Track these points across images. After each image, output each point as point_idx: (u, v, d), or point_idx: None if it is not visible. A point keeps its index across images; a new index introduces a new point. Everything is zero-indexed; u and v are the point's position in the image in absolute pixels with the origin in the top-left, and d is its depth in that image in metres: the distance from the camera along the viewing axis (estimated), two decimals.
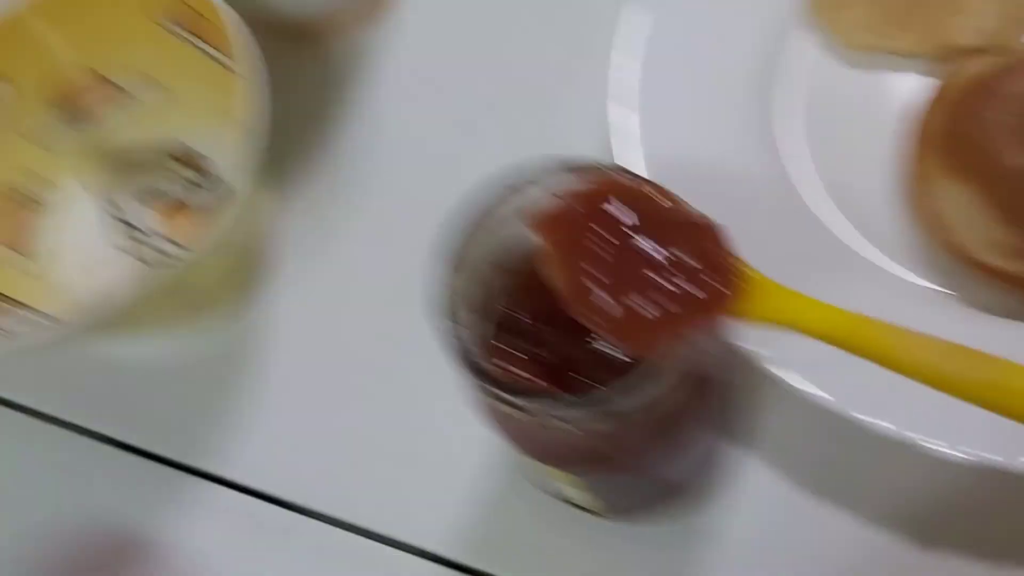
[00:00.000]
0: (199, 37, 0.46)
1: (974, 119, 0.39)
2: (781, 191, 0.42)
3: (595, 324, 0.29)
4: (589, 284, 0.29)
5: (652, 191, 0.30)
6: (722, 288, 0.28)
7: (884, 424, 0.35)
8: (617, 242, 0.29)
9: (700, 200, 0.40)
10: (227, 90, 0.42)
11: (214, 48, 0.46)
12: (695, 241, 0.29)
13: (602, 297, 0.29)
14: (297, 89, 0.52)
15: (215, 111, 0.46)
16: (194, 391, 0.46)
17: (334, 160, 0.50)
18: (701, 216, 0.30)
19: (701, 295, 0.28)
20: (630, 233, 0.29)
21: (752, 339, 0.37)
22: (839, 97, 0.44)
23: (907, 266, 0.40)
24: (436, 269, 0.30)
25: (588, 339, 0.32)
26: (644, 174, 0.41)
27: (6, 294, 0.45)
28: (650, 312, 0.28)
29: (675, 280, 0.28)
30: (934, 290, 0.40)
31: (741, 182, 0.42)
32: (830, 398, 0.36)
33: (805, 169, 0.43)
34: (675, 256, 0.29)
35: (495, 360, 0.32)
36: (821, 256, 0.40)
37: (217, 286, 0.46)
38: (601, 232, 0.29)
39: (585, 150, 0.45)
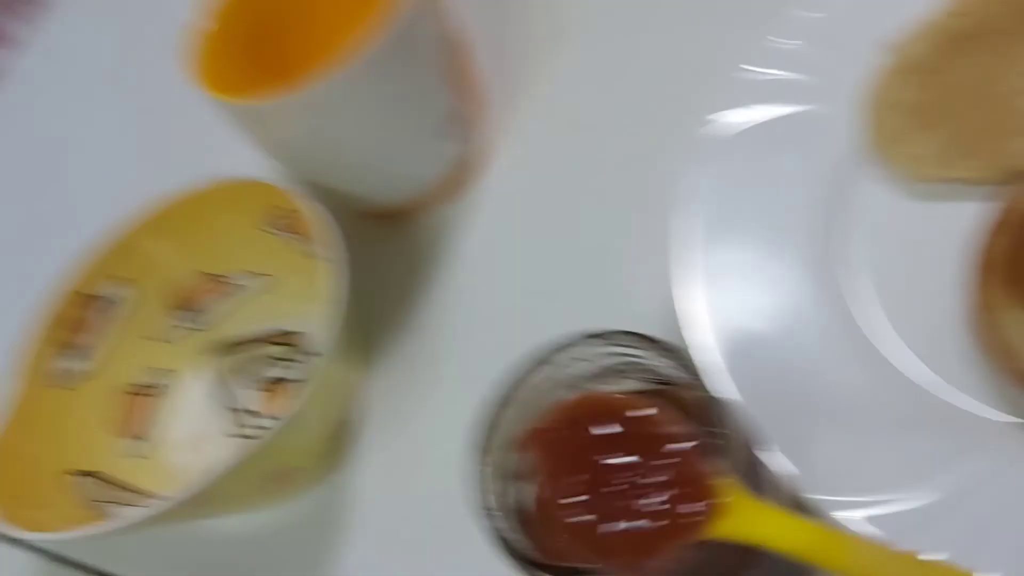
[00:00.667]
0: (291, 231, 0.51)
1: None
2: (849, 336, 0.41)
3: (575, 542, 0.29)
4: (570, 502, 0.30)
5: (635, 407, 0.31)
6: (700, 508, 0.29)
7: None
8: (598, 461, 0.30)
9: (764, 359, 0.40)
10: (316, 274, 0.46)
11: (304, 238, 0.50)
12: (676, 458, 0.30)
13: (581, 516, 0.30)
14: (387, 266, 0.56)
15: (307, 293, 0.50)
16: (284, 562, 0.48)
17: (416, 332, 0.53)
18: (684, 431, 0.30)
19: (678, 516, 0.29)
20: (611, 452, 0.30)
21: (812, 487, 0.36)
22: (902, 231, 0.44)
23: (983, 400, 0.38)
24: (469, 459, 0.32)
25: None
26: (707, 339, 0.41)
27: (127, 483, 0.50)
28: (628, 534, 0.29)
29: (653, 501, 0.29)
30: (1014, 423, 0.37)
31: (807, 331, 0.41)
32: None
33: (872, 310, 0.42)
34: (655, 475, 0.29)
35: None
36: (894, 400, 0.39)
37: (310, 459, 0.48)
38: (584, 451, 0.30)
39: (656, 315, 0.47)
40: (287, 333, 0.54)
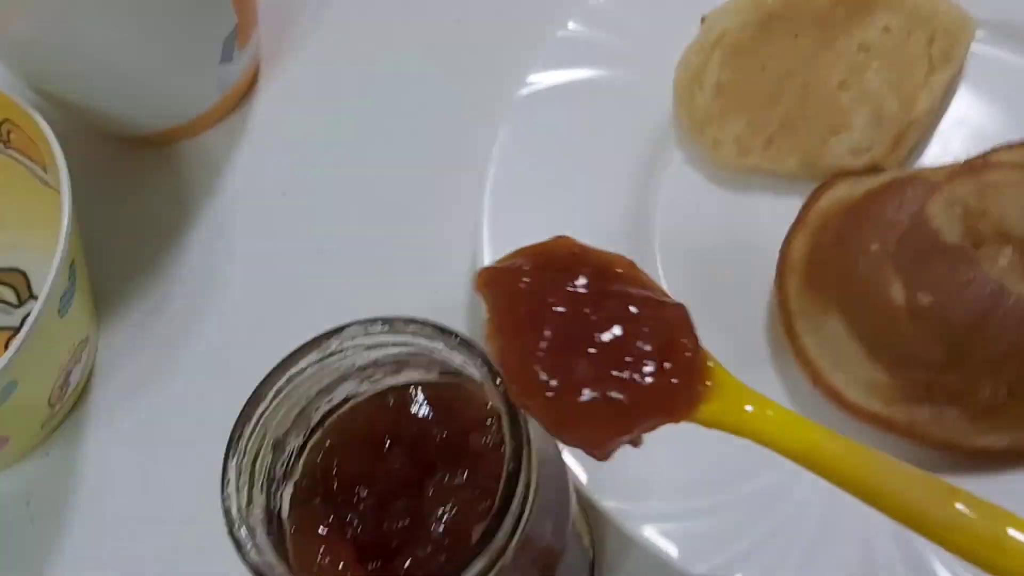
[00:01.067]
0: (14, 148, 0.42)
1: (838, 246, 0.37)
2: None
3: (530, 408, 0.24)
4: (530, 360, 0.24)
5: (620, 264, 0.26)
6: (685, 387, 0.24)
7: None
8: (571, 316, 0.24)
9: None
10: (46, 205, 0.39)
11: (33, 162, 0.42)
12: (661, 327, 0.24)
13: (543, 378, 0.24)
14: (139, 200, 0.48)
15: (31, 224, 0.43)
16: None
17: (169, 282, 0.46)
18: (670, 300, 0.25)
19: (661, 392, 0.24)
20: (587, 308, 0.25)
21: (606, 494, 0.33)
22: (712, 222, 0.42)
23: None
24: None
25: (411, 506, 0.28)
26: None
27: None
28: (598, 404, 0.24)
29: (633, 370, 0.24)
30: None
31: None
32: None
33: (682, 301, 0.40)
34: (636, 341, 0.24)
35: (296, 538, 0.28)
36: None
37: (25, 425, 0.41)
38: (552, 302, 0.25)
39: (454, 275, 0.43)
40: (9, 270, 0.45)
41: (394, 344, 0.28)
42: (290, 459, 0.29)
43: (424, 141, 0.47)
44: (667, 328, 0.24)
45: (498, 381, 0.26)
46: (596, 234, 0.40)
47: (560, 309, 0.25)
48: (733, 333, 0.39)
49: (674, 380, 0.24)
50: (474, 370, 0.27)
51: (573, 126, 0.43)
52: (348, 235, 0.45)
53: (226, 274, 0.45)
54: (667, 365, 0.24)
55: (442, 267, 0.43)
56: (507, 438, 0.25)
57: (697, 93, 0.43)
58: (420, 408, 0.30)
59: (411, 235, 0.45)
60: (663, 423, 0.24)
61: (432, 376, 0.30)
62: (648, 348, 0.24)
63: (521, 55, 0.44)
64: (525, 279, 0.25)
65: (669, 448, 0.35)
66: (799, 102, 0.42)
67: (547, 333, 0.24)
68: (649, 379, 0.24)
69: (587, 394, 0.24)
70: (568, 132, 0.42)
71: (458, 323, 0.42)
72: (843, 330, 0.36)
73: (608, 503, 0.34)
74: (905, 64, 0.41)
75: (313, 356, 0.27)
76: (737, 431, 0.24)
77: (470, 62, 0.49)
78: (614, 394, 0.24)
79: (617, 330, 0.24)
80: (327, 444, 0.30)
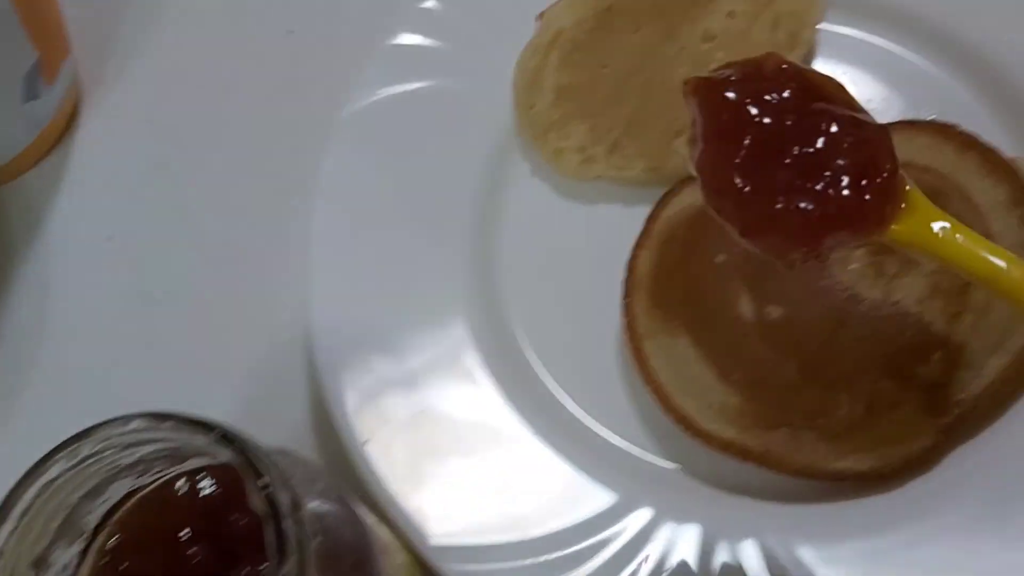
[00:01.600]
0: None
1: (684, 260, 0.34)
2: (504, 350, 0.36)
3: (722, 211, 0.26)
4: (727, 165, 0.25)
5: (828, 83, 0.26)
6: (878, 205, 0.25)
7: None
8: (772, 127, 0.25)
9: (395, 387, 0.35)
10: None
11: None
12: (860, 145, 0.25)
13: (738, 183, 0.25)
14: None
15: None
16: None
17: None
18: (874, 122, 0.26)
19: (854, 208, 0.25)
20: (789, 120, 0.25)
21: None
22: (565, 236, 0.39)
23: (628, 437, 0.35)
24: None
25: None
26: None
27: None
28: (789, 212, 0.25)
29: (829, 184, 0.24)
30: (658, 465, 0.34)
31: (456, 335, 0.36)
32: None
33: (530, 324, 0.37)
34: (835, 157, 0.25)
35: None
36: (542, 417, 0.35)
37: None
38: (756, 112, 0.25)
39: (292, 314, 0.40)
40: None
41: (155, 440, 0.25)
42: (65, 572, 0.26)
43: (258, 169, 0.44)
44: (867, 147, 0.25)
45: (260, 483, 0.23)
46: (437, 259, 0.37)
47: (763, 120, 0.25)
48: (584, 355, 0.36)
49: (868, 197, 0.25)
50: (245, 464, 0.24)
51: (408, 143, 0.40)
52: (178, 279, 0.42)
53: (49, 330, 0.42)
54: (863, 182, 0.25)
55: (280, 306, 0.40)
56: (269, 552, 0.22)
57: (536, 98, 0.40)
58: (216, 493, 0.27)
59: (246, 274, 0.42)
60: (852, 239, 0.25)
61: (224, 458, 0.27)
62: (845, 164, 0.25)
63: (361, 67, 0.41)
64: (731, 89, 0.26)
65: (523, 502, 0.33)
66: (643, 102, 0.39)
67: (747, 141, 0.25)
68: (844, 193, 0.25)
69: (780, 202, 0.25)
70: (403, 150, 0.39)
71: (301, 365, 0.39)
72: (692, 352, 0.33)
73: (454, 568, 0.31)
74: (750, 52, 0.38)
75: (62, 464, 0.24)
76: (925, 252, 0.25)
77: (305, 77, 0.45)
78: (806, 205, 0.25)
79: (817, 143, 0.25)
80: (114, 545, 0.27)
